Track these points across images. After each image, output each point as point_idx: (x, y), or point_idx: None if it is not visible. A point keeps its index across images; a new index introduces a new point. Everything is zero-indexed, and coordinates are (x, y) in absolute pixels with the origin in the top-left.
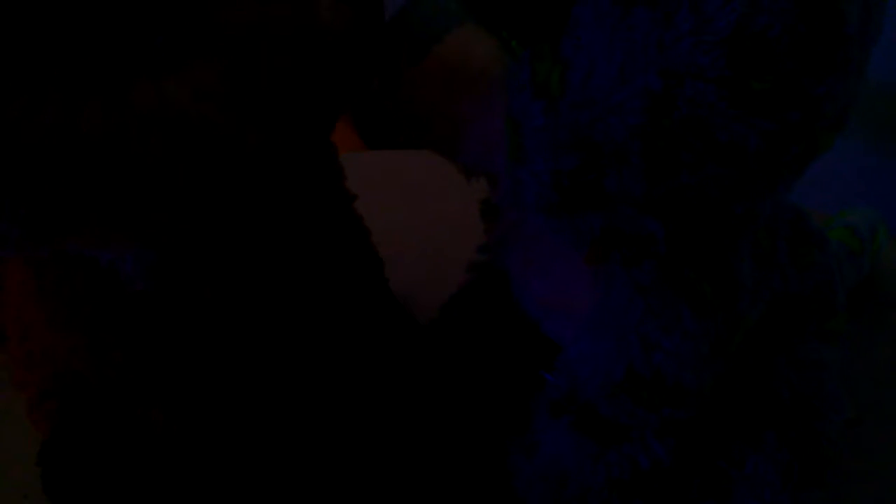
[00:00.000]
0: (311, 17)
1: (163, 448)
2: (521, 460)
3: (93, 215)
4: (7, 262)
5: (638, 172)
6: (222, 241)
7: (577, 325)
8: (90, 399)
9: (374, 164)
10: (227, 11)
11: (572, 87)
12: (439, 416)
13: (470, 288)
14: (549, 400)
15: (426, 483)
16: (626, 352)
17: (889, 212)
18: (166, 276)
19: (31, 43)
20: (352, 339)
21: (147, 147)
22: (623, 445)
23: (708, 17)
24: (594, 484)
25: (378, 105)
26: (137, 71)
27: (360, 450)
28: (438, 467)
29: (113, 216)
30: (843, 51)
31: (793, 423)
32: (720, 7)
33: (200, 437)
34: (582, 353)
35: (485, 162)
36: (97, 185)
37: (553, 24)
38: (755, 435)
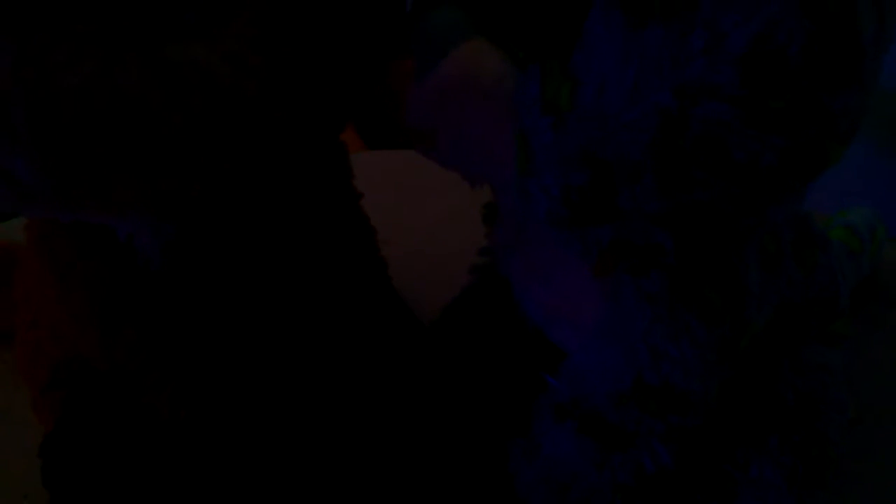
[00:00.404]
0: None
1: (167, 440)
2: (523, 463)
3: (122, 175)
4: (23, 244)
5: (649, 189)
6: (237, 225)
7: (582, 334)
8: (96, 390)
9: (374, 164)
10: None
11: (583, 104)
12: (441, 418)
13: (472, 290)
14: (552, 404)
15: (428, 485)
16: (635, 361)
17: (888, 211)
18: (182, 257)
19: None
20: (356, 335)
21: (177, 103)
22: (628, 450)
23: (723, 35)
24: (598, 488)
25: (382, 116)
26: (170, 36)
27: (362, 450)
28: (440, 469)
29: (141, 178)
30: (859, 66)
31: (797, 426)
32: (735, 25)
33: (206, 426)
34: (588, 361)
35: (492, 176)
36: (129, 142)
37: (563, 40)
38: (760, 438)
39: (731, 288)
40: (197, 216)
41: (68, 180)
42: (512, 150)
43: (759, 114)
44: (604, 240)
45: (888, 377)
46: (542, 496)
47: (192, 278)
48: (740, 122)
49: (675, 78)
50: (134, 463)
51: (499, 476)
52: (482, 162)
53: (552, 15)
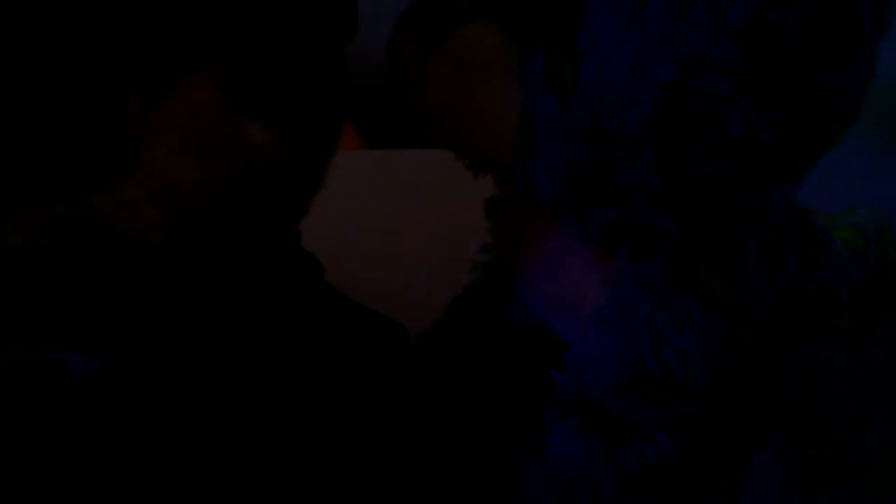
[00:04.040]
0: (240, 141)
1: None
2: (529, 463)
3: (27, 327)
4: None
5: (651, 164)
6: (168, 332)
7: (584, 323)
8: None
9: (374, 164)
10: (154, 133)
11: (586, 80)
12: (444, 420)
13: (474, 288)
14: (556, 400)
15: (433, 488)
16: (635, 348)
17: (892, 211)
18: (114, 373)
19: None
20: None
21: (74, 259)
22: (631, 443)
23: (723, 9)
24: (603, 484)
25: (386, 100)
26: (61, 185)
27: (365, 456)
28: (445, 472)
29: (47, 327)
30: (857, 43)
31: (799, 420)
32: None
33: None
34: (589, 350)
35: (496, 156)
36: (23, 299)
37: (566, 18)
38: (761, 433)
39: (732, 275)
40: (124, 343)
41: None
42: (515, 128)
43: (757, 87)
44: (605, 223)
45: (889, 377)
46: (549, 496)
47: (127, 383)
48: (739, 95)
49: (675, 52)
50: None
51: (505, 477)
52: (487, 143)
53: None
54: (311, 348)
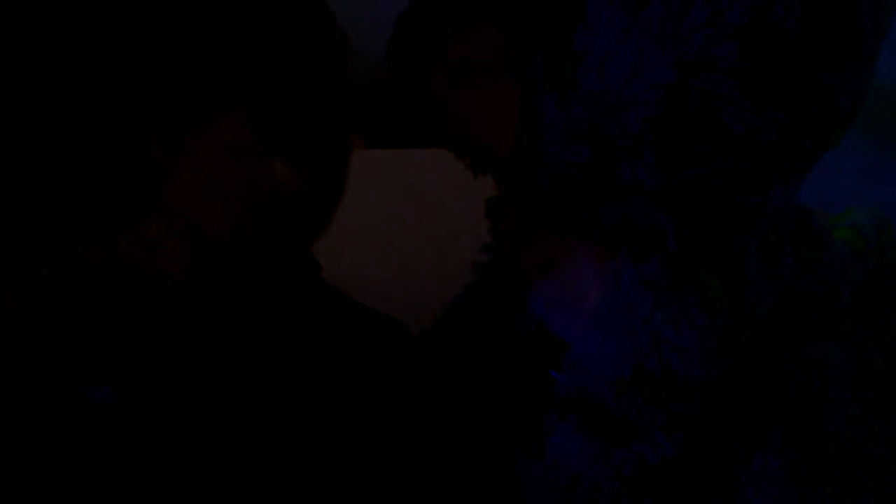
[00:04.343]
0: (265, 178)
1: None
2: (530, 464)
3: (55, 365)
4: None
5: (651, 165)
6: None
7: (583, 323)
8: None
9: (374, 164)
10: (178, 173)
11: (585, 80)
12: (445, 419)
13: (474, 288)
14: (556, 400)
15: (434, 489)
16: (635, 347)
17: (893, 211)
18: (135, 398)
19: None
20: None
21: (97, 300)
22: (631, 443)
23: (722, 9)
24: (604, 483)
25: (387, 102)
26: (88, 227)
27: (366, 455)
28: (446, 473)
29: (74, 363)
30: (857, 43)
31: (798, 420)
32: None
33: None
34: (589, 350)
35: (496, 156)
36: (57, 337)
37: (566, 19)
38: (761, 432)
39: (732, 275)
40: (143, 368)
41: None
42: (515, 129)
43: (757, 87)
44: (605, 223)
45: (889, 377)
46: (549, 496)
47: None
48: (739, 95)
49: (675, 52)
50: None
51: (505, 478)
52: (487, 144)
53: None
54: (313, 348)
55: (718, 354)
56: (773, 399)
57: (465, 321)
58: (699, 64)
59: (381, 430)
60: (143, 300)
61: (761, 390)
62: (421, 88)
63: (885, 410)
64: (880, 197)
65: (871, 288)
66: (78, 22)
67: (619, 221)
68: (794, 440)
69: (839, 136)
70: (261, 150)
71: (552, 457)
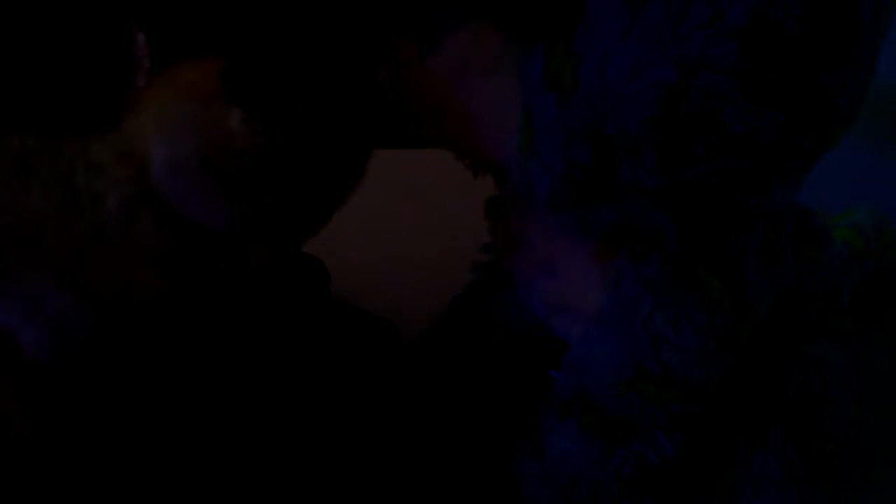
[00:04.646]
0: (216, 123)
1: None
2: (529, 463)
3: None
4: None
5: (651, 165)
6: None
7: (584, 323)
8: None
9: (374, 164)
10: (144, 101)
11: (585, 80)
12: (444, 420)
13: (474, 288)
14: (556, 400)
15: (433, 488)
16: (635, 348)
17: (893, 211)
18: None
19: None
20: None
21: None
22: (631, 443)
23: (723, 9)
24: (603, 484)
25: (385, 100)
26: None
27: (365, 456)
28: (446, 472)
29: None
30: (857, 43)
31: (798, 420)
32: None
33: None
34: (589, 350)
35: (495, 156)
36: None
37: (566, 18)
38: (761, 433)
39: (732, 275)
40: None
41: None
42: (515, 129)
43: (757, 87)
44: (605, 223)
45: (889, 377)
46: (549, 496)
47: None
48: (739, 95)
49: (675, 52)
50: None
51: (505, 478)
52: (486, 144)
53: None
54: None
55: (718, 354)
56: (773, 399)
57: (465, 321)
58: (699, 64)
59: (374, 431)
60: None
61: (761, 390)
62: (420, 87)
63: (885, 410)
64: (880, 197)
65: (871, 288)
66: None
67: (619, 221)
68: (794, 440)
69: (839, 136)
70: (221, 97)
71: (552, 457)
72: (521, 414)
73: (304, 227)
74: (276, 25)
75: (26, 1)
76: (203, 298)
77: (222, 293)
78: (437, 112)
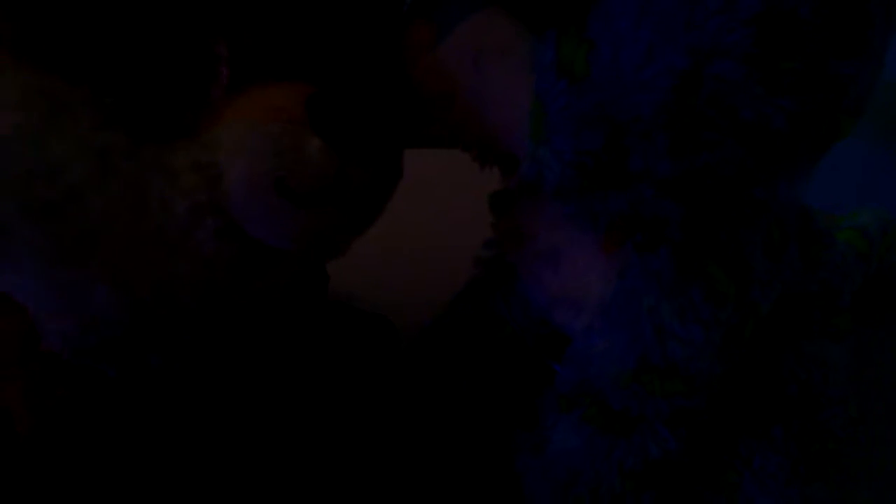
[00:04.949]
0: (299, 153)
1: None
2: (531, 458)
3: None
4: None
5: (662, 151)
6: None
7: (588, 315)
8: None
9: None
10: (227, 116)
11: (598, 66)
12: (446, 414)
13: (477, 283)
14: (558, 394)
15: (435, 484)
16: (639, 340)
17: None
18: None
19: None
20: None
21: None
22: (634, 437)
23: None
24: (605, 477)
25: (397, 87)
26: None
27: (365, 452)
28: (447, 468)
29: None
30: (868, 33)
31: (800, 418)
32: None
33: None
34: (593, 342)
35: (505, 143)
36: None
37: (579, 3)
38: (763, 430)
39: (737, 268)
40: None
41: None
42: (527, 114)
43: (769, 74)
44: (613, 212)
45: (889, 377)
46: (550, 490)
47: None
48: (751, 81)
49: (688, 38)
50: None
51: (506, 473)
52: (497, 130)
53: None
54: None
55: (723, 348)
56: (774, 397)
57: (468, 316)
58: (712, 51)
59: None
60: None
61: (763, 388)
62: (432, 73)
63: (886, 410)
64: (885, 199)
65: (873, 288)
66: None
67: (627, 210)
68: (795, 437)
69: (849, 127)
70: (303, 123)
71: (554, 451)
72: (524, 408)
73: (347, 244)
74: (356, 60)
75: (132, 9)
76: (238, 306)
77: (252, 301)
78: (448, 98)
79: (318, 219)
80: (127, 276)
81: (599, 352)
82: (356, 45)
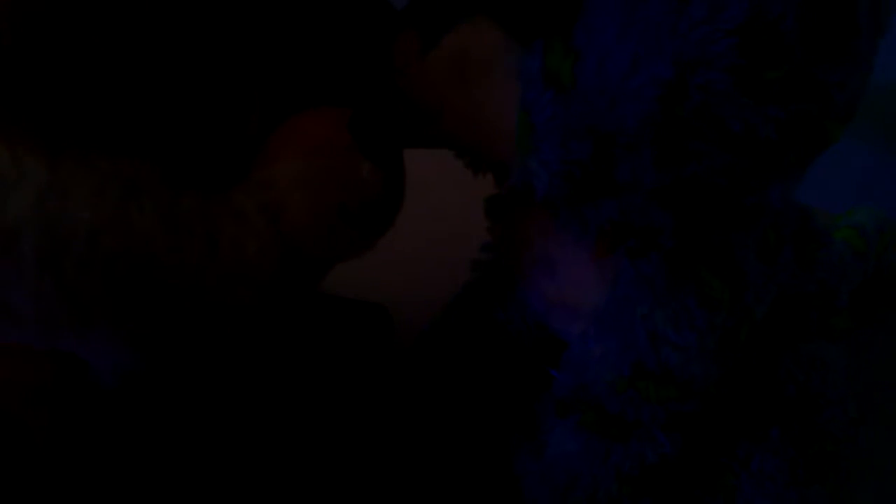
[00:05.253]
0: (353, 177)
1: None
2: (529, 462)
3: (119, 315)
4: None
5: (649, 162)
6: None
7: (583, 321)
8: None
9: None
10: (275, 150)
11: (584, 76)
12: (444, 418)
13: (474, 287)
14: (555, 399)
15: (435, 487)
16: (634, 346)
17: (894, 211)
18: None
19: None
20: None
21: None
22: (631, 442)
23: (721, 6)
24: (602, 482)
25: (385, 98)
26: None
27: (365, 455)
28: (446, 471)
29: (139, 320)
30: (854, 40)
31: (798, 419)
32: None
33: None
34: (588, 348)
35: (495, 153)
36: (133, 286)
37: (565, 15)
38: (761, 432)
39: (731, 274)
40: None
41: (60, 317)
42: (514, 124)
43: (755, 84)
44: (603, 220)
45: (889, 377)
46: (549, 494)
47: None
48: (737, 92)
49: (673, 48)
50: None
51: (505, 476)
52: (485, 141)
53: None
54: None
55: (717, 353)
56: (772, 398)
57: (465, 320)
58: (697, 61)
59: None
60: (215, 267)
61: (761, 390)
62: (420, 83)
63: (885, 410)
64: (882, 197)
65: (871, 288)
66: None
67: (618, 219)
68: (793, 439)
69: (838, 133)
70: (354, 150)
71: (551, 455)
72: (521, 413)
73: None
74: (363, 74)
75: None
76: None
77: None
78: (437, 108)
79: (375, 232)
80: (188, 311)
81: (595, 357)
82: (358, 59)
